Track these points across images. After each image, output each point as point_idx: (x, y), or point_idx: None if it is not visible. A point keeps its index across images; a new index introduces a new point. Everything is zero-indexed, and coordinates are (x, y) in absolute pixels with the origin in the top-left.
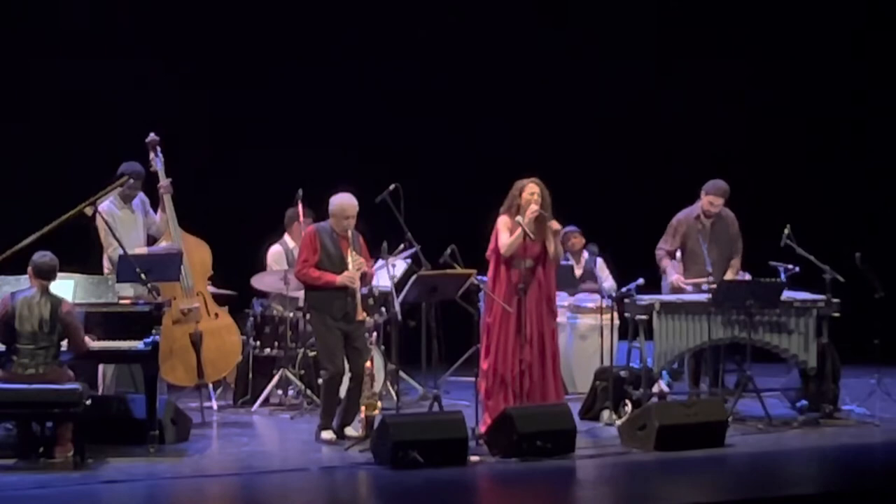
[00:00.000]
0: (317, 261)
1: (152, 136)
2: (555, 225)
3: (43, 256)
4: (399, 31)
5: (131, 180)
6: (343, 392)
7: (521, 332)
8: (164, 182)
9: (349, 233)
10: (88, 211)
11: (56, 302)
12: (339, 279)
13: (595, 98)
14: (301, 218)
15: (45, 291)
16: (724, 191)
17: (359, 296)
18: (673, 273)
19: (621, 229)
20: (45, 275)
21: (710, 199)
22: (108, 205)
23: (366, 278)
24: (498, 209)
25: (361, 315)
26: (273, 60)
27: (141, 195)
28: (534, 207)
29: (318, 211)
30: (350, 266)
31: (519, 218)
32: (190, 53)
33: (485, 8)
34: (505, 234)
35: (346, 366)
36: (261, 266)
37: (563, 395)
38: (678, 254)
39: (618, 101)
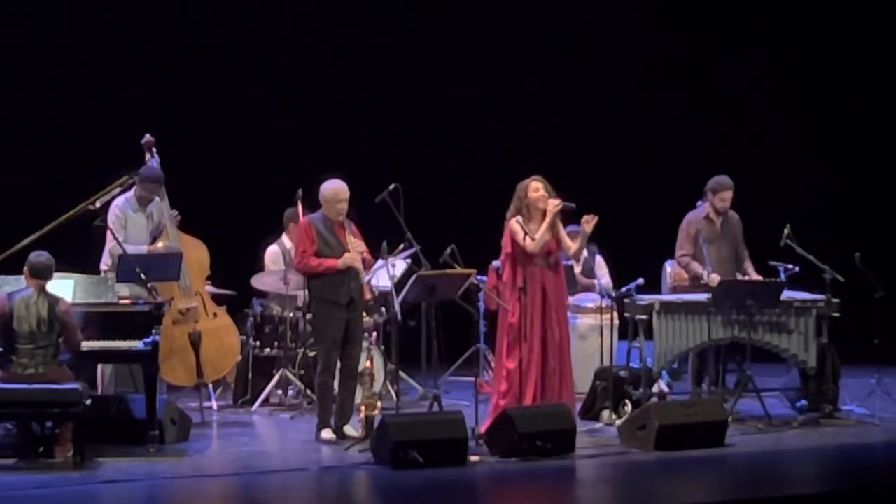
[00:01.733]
0: (315, 250)
1: (148, 136)
2: (588, 227)
3: (38, 256)
4: (397, 29)
5: (132, 179)
6: (335, 387)
7: (546, 331)
8: (170, 214)
9: (342, 218)
10: (96, 204)
11: (53, 301)
12: (341, 262)
13: (595, 97)
14: (300, 219)
15: (42, 291)
16: (731, 185)
17: (363, 277)
18: (708, 273)
19: (621, 229)
20: (41, 274)
21: (721, 196)
22: (123, 202)
23: (365, 262)
24: (498, 209)
25: (368, 295)
26: (273, 59)
27: (158, 201)
28: (556, 201)
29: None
30: (350, 249)
31: (519, 218)
32: (189, 53)
33: (485, 7)
34: (522, 233)
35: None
36: (260, 266)
37: (574, 394)
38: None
39: (618, 99)
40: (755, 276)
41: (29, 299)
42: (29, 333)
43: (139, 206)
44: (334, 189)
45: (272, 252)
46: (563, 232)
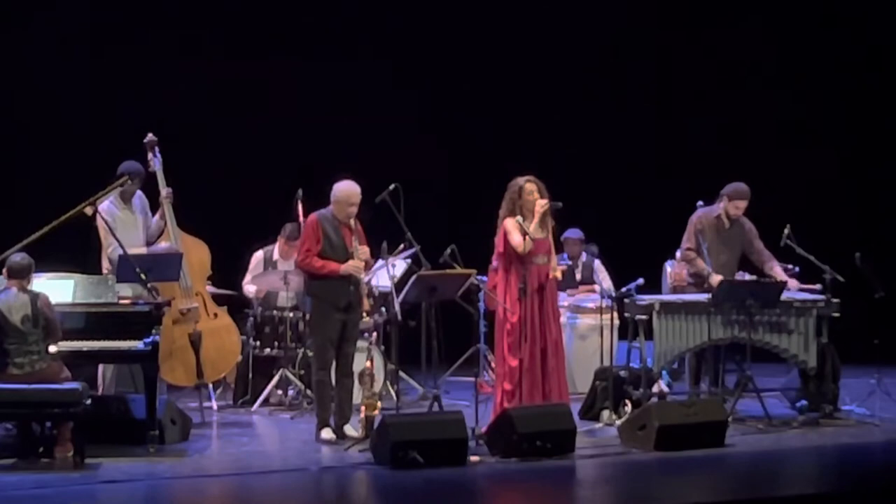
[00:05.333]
0: (319, 250)
1: (150, 136)
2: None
3: (15, 257)
4: (398, 30)
5: (130, 180)
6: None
7: (545, 329)
8: (165, 192)
9: (351, 221)
10: (88, 211)
11: (34, 297)
12: (343, 268)
13: (595, 97)
14: (300, 218)
15: (22, 289)
16: (748, 194)
17: (363, 285)
18: (713, 274)
19: (621, 230)
20: (18, 274)
21: (736, 204)
22: (108, 205)
23: (367, 265)
24: (498, 209)
25: (366, 305)
26: (273, 58)
27: (141, 195)
28: (543, 202)
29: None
30: (354, 255)
31: (519, 218)
32: (189, 51)
33: (485, 7)
34: (516, 234)
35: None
36: (244, 268)
37: (568, 393)
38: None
39: (618, 100)
40: (783, 278)
41: (10, 299)
42: (18, 332)
43: (124, 203)
44: (346, 192)
45: (256, 257)
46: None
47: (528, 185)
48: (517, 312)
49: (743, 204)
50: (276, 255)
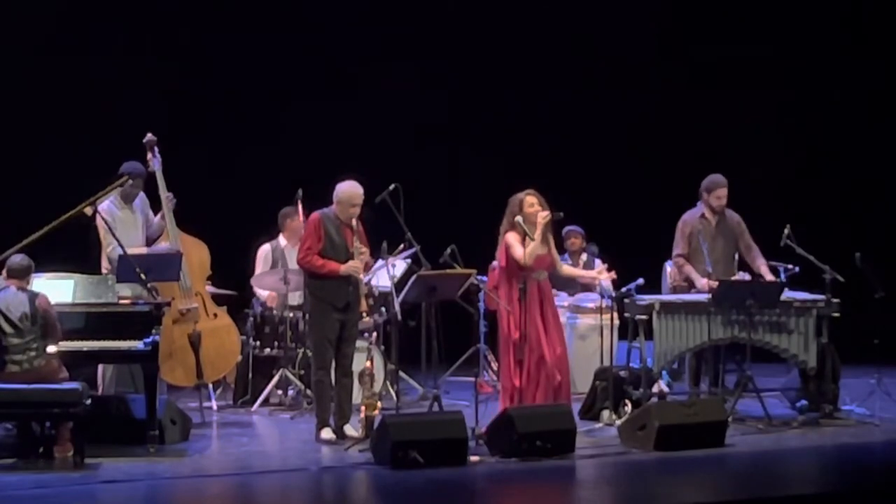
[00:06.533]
0: (320, 248)
1: (150, 136)
2: (541, 220)
3: (15, 258)
4: (399, 30)
5: (131, 180)
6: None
7: (551, 344)
8: (166, 198)
9: (353, 221)
10: (88, 211)
11: (32, 295)
12: (343, 268)
13: (596, 98)
14: (301, 217)
15: (21, 289)
16: (724, 182)
17: (362, 286)
18: (700, 279)
19: (621, 229)
20: (17, 274)
21: (717, 194)
22: (108, 205)
23: (366, 266)
24: (499, 209)
25: (364, 307)
26: (274, 57)
27: (142, 195)
28: (545, 213)
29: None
30: (355, 255)
31: (519, 219)
32: (188, 50)
33: (487, 9)
34: (518, 246)
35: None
36: (251, 265)
37: (570, 396)
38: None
39: (619, 101)
40: (769, 276)
41: (9, 297)
42: (16, 330)
43: (124, 203)
44: (349, 193)
45: (263, 251)
46: (553, 248)
47: (529, 199)
48: (519, 324)
49: (723, 192)
50: (283, 244)
